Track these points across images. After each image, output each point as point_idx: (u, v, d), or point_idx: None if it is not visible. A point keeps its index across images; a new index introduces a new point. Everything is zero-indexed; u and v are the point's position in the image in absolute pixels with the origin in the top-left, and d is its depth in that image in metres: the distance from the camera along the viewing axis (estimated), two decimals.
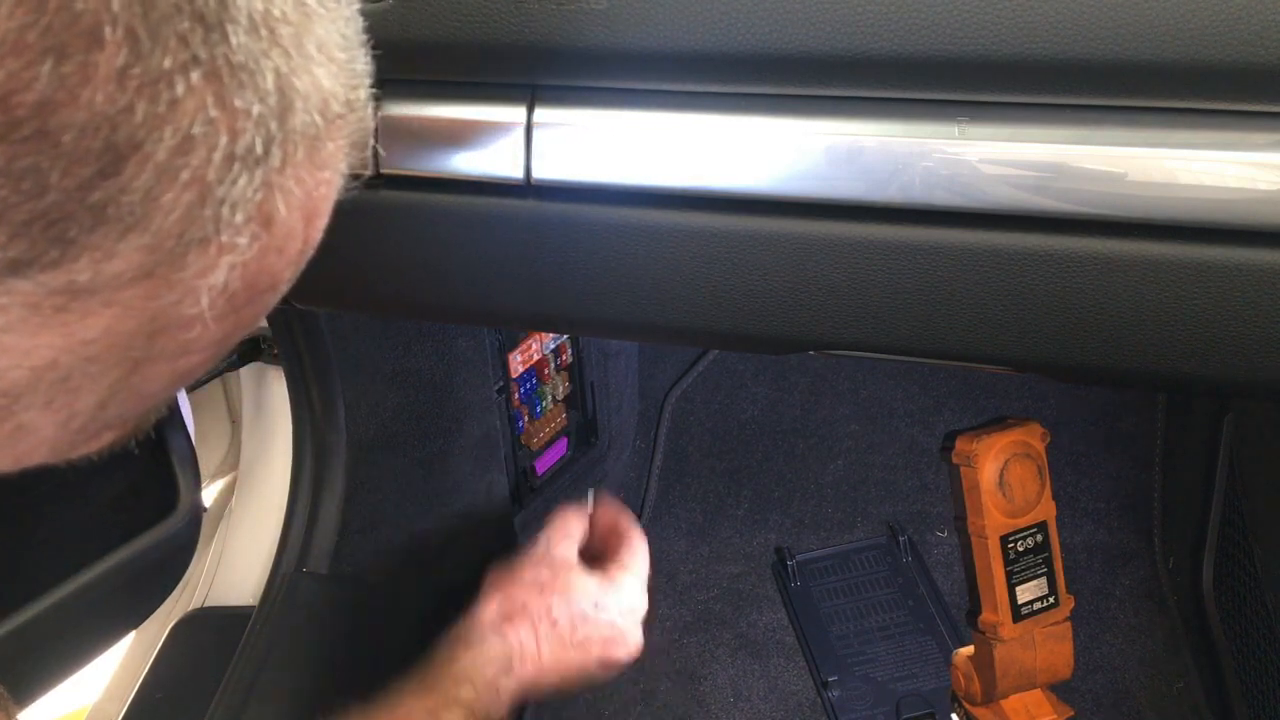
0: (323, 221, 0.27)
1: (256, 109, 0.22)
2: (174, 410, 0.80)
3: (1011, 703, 0.68)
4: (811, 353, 0.54)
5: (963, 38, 0.42)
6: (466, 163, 0.50)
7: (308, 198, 0.25)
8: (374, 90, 0.27)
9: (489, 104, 0.49)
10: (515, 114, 0.49)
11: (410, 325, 0.88)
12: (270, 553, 0.85)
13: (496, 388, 0.97)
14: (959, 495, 0.65)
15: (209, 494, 0.89)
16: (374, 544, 0.88)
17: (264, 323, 0.82)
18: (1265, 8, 0.39)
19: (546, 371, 1.03)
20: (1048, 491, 0.65)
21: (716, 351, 1.33)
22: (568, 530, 0.78)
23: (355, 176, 0.27)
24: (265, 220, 0.24)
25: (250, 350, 0.87)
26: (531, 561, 0.75)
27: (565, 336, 1.03)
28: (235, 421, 0.94)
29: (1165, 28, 0.40)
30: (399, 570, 0.78)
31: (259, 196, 0.23)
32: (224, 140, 0.22)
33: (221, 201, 0.22)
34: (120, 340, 0.23)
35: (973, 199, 0.45)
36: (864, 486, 1.24)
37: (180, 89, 0.21)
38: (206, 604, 0.85)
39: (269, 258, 0.25)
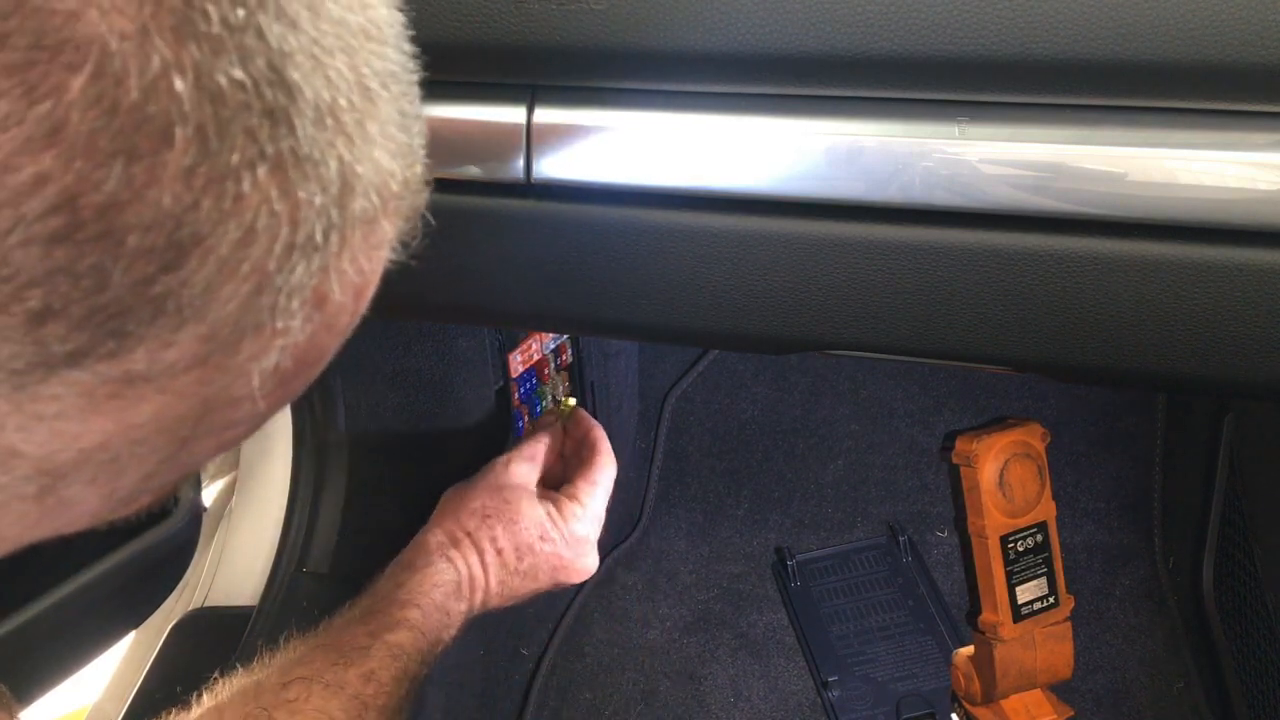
0: (371, 292, 0.26)
1: (319, 199, 0.22)
2: None
3: (1011, 703, 0.68)
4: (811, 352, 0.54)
5: (963, 38, 0.42)
6: (467, 163, 0.50)
7: (359, 275, 0.25)
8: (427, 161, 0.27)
9: (489, 104, 0.49)
10: (515, 114, 0.49)
11: (410, 325, 0.88)
12: (270, 553, 0.85)
13: (496, 388, 0.97)
14: (959, 495, 0.65)
15: (209, 494, 0.89)
16: (374, 544, 0.88)
17: None
18: (1265, 8, 0.39)
19: (546, 371, 1.03)
20: (1048, 491, 0.65)
21: (716, 351, 1.33)
22: (529, 453, 0.79)
23: (405, 245, 0.27)
24: (319, 302, 0.24)
25: None
26: (485, 488, 0.75)
27: (565, 336, 1.03)
28: None
29: (1165, 28, 0.40)
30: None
31: (315, 281, 0.23)
32: (285, 231, 0.21)
33: (279, 290, 0.22)
34: (170, 423, 0.23)
35: (973, 199, 0.45)
36: (864, 486, 1.24)
37: (246, 184, 0.20)
38: (206, 604, 0.85)
39: (320, 336, 0.25)
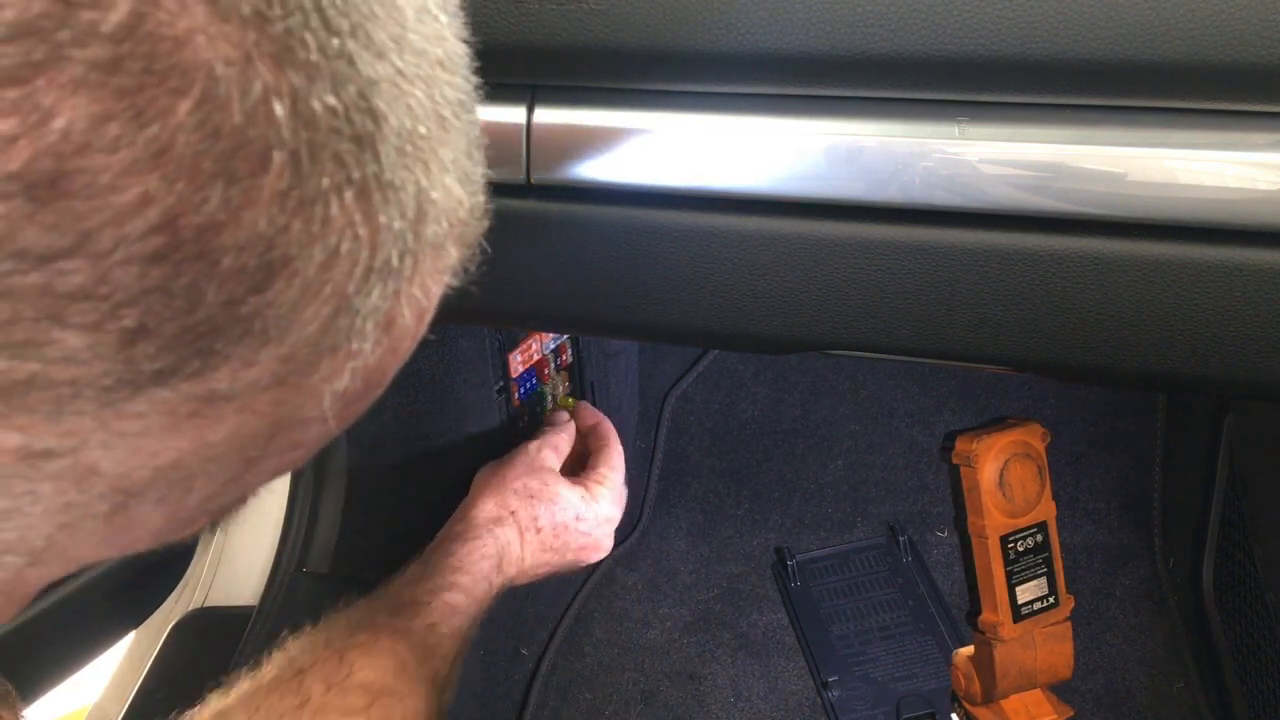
0: (430, 317, 0.27)
1: (397, 224, 0.22)
2: None
3: (1011, 703, 0.68)
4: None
5: (963, 38, 0.42)
6: None
7: (426, 298, 0.25)
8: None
9: (489, 104, 0.49)
10: (515, 114, 0.49)
11: None
12: (270, 553, 0.85)
13: (496, 388, 0.97)
14: (959, 495, 0.65)
15: None
16: (374, 544, 0.88)
17: None
18: (1265, 7, 0.39)
19: (546, 371, 1.03)
20: (1048, 491, 0.65)
21: (716, 351, 1.33)
22: (554, 442, 0.87)
23: (464, 270, 0.28)
24: (388, 324, 0.24)
25: None
26: (524, 469, 0.82)
27: (565, 336, 1.03)
28: None
29: (1165, 28, 0.40)
30: (399, 570, 0.78)
31: (388, 305, 0.24)
32: (365, 255, 0.22)
33: (356, 312, 0.23)
34: (242, 442, 0.23)
35: (973, 199, 0.45)
36: (864, 486, 1.24)
37: (334, 208, 0.21)
38: (206, 604, 0.85)
39: (385, 358, 0.26)
